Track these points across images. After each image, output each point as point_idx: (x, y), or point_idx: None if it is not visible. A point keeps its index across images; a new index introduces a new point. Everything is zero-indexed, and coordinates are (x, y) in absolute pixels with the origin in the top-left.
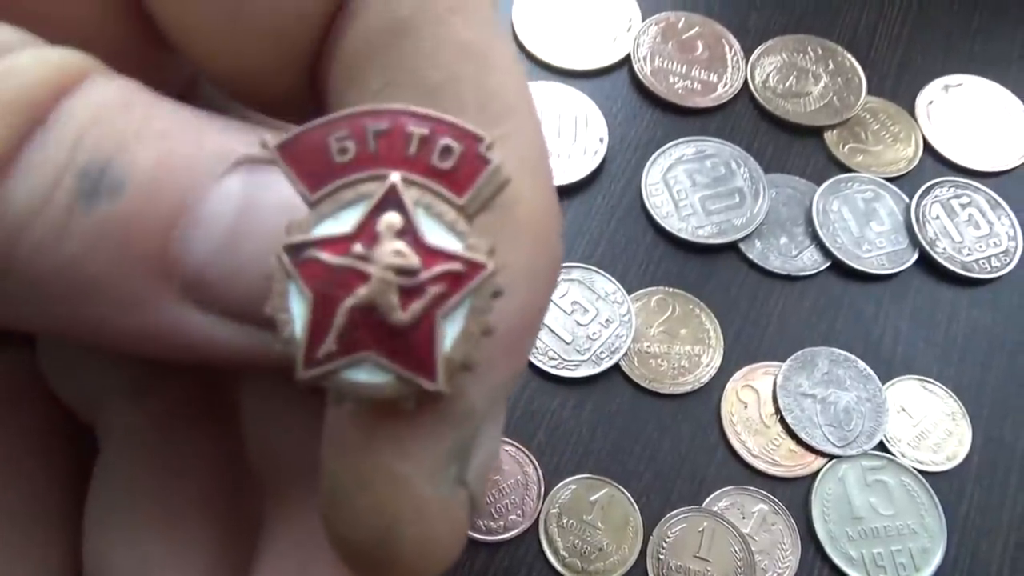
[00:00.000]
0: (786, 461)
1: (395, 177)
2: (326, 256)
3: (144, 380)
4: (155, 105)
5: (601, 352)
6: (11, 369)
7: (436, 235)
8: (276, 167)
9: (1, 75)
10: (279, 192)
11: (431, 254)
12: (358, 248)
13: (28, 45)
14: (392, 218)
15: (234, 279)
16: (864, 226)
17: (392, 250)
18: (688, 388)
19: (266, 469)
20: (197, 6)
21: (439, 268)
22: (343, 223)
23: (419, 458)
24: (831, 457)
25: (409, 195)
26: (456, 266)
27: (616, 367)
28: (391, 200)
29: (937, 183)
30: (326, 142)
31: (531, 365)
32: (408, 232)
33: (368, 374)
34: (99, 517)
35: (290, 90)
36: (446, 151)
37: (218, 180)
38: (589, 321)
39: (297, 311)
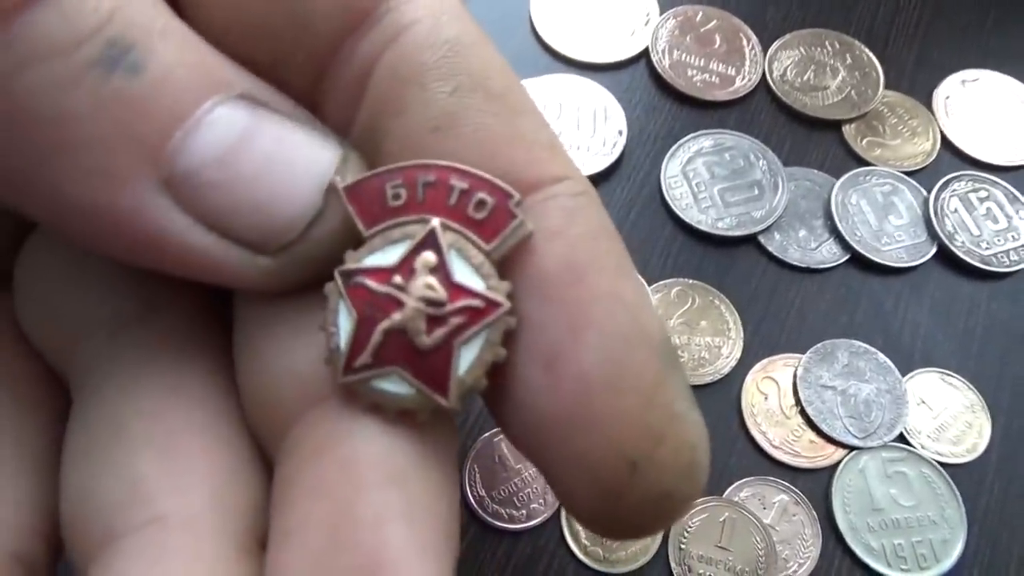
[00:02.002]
0: (807, 452)
1: (435, 222)
2: (371, 283)
3: (129, 309)
4: (175, 16)
5: None
6: None
7: (463, 274)
8: (341, 204)
9: None
10: (278, 129)
11: (457, 290)
12: (397, 279)
13: None
14: (428, 257)
15: (223, 190)
16: (883, 219)
17: (424, 283)
18: (708, 379)
19: (266, 401)
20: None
21: (462, 302)
22: (388, 256)
23: (682, 395)
24: (851, 448)
25: (445, 238)
26: (476, 302)
27: None
28: (430, 241)
29: (955, 177)
30: (383, 188)
31: None
32: (440, 269)
33: (394, 385)
34: (82, 448)
35: (296, 99)
36: (481, 204)
37: (228, 99)
38: None
39: (343, 327)
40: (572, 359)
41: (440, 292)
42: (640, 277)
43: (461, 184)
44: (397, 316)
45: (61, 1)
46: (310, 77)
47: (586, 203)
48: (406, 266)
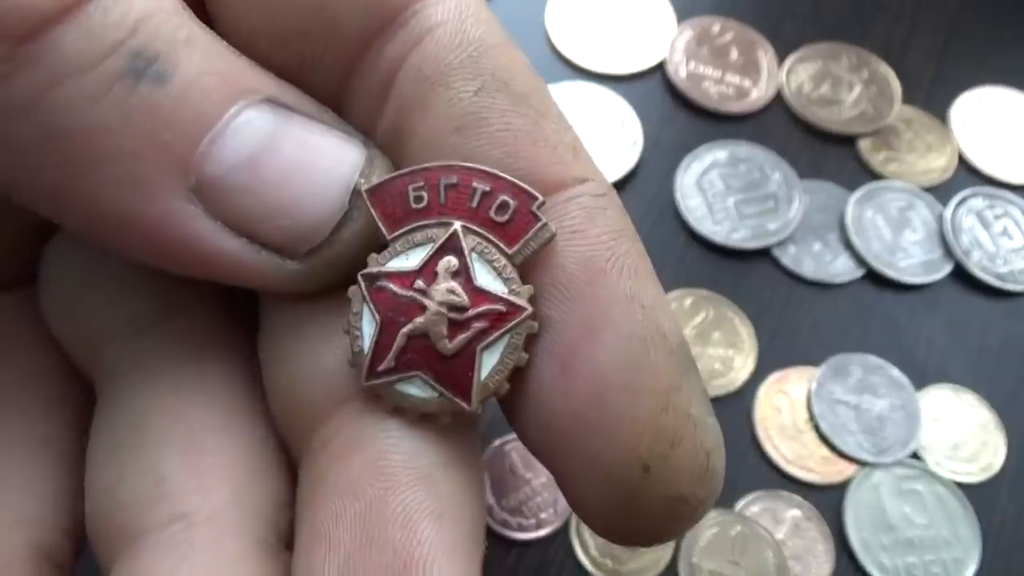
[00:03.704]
0: (819, 467)
1: (457, 226)
2: (394, 287)
3: (153, 309)
4: (200, 24)
5: None
6: (11, 313)
7: (485, 278)
8: (366, 206)
9: None
10: (303, 133)
11: (479, 294)
12: (420, 283)
13: None
14: (450, 261)
15: (249, 195)
16: (898, 234)
17: (446, 288)
18: (721, 392)
19: (290, 402)
20: None
21: (484, 307)
22: (411, 260)
23: (698, 399)
24: (865, 464)
25: (467, 242)
26: (499, 307)
27: None
28: (452, 244)
29: (971, 194)
30: (405, 190)
31: None
32: (462, 273)
33: (417, 390)
34: (107, 447)
35: (322, 101)
36: (503, 206)
37: (254, 104)
38: None
39: (367, 331)
40: (588, 359)
41: (463, 297)
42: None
43: (483, 186)
44: (419, 320)
45: (86, 17)
46: (337, 79)
47: (608, 204)
48: (428, 270)
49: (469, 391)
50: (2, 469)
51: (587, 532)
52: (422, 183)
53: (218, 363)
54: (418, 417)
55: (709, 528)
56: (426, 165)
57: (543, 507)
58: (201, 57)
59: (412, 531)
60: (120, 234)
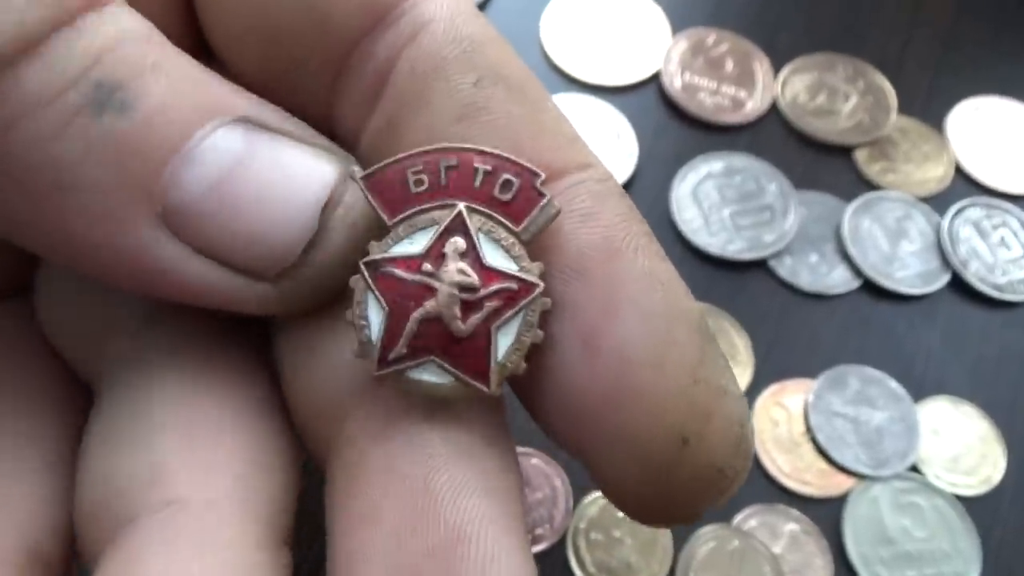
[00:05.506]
0: (817, 480)
1: (461, 206)
2: (400, 272)
3: (155, 308)
4: (171, 48)
5: None
6: (7, 321)
7: (495, 257)
8: (362, 193)
9: None
10: (275, 152)
11: (490, 274)
12: (427, 267)
13: None
14: (457, 241)
15: (217, 219)
16: (895, 245)
17: (456, 268)
18: None
19: (307, 406)
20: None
21: (496, 286)
22: (416, 244)
23: (725, 371)
24: (863, 477)
25: (472, 222)
26: (511, 284)
27: None
28: (457, 226)
29: (968, 204)
30: (404, 175)
31: None
32: (470, 253)
33: (432, 375)
34: (102, 438)
35: (312, 101)
36: (506, 184)
37: (222, 127)
38: None
39: (374, 319)
40: (611, 335)
41: (473, 277)
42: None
43: (484, 166)
44: (431, 303)
45: (47, 50)
46: (327, 78)
47: (613, 188)
48: (435, 252)
49: (487, 372)
50: (1, 472)
51: (584, 547)
52: (421, 167)
53: (226, 356)
54: (435, 403)
55: (706, 543)
56: (423, 148)
57: (539, 523)
58: (168, 82)
59: (461, 506)
60: (91, 263)
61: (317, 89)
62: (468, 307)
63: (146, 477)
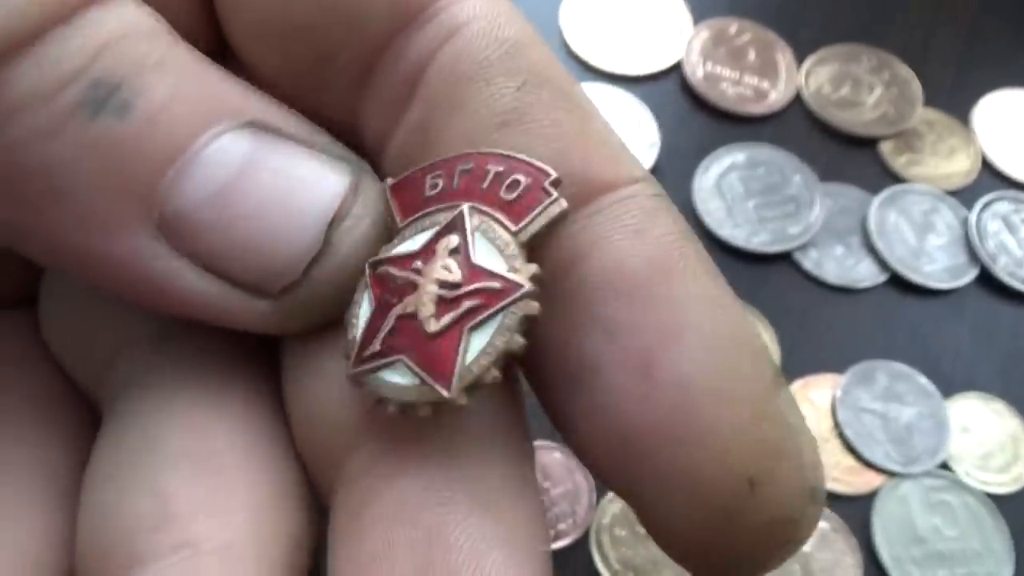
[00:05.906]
0: (845, 477)
1: (464, 207)
2: (392, 270)
3: (166, 324)
4: (179, 44)
5: None
6: (11, 335)
7: (485, 256)
8: (377, 202)
9: None
10: (283, 160)
11: (475, 272)
12: (417, 264)
13: None
14: (451, 239)
15: (218, 230)
16: (922, 238)
17: (441, 265)
18: None
19: (316, 435)
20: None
21: (477, 284)
22: (415, 244)
23: (793, 406)
24: (892, 475)
25: (471, 221)
26: (494, 284)
27: None
28: (456, 225)
29: (996, 198)
30: (423, 180)
31: None
32: (461, 251)
33: (399, 376)
34: (108, 467)
35: (335, 102)
36: (513, 184)
37: (228, 131)
38: None
39: (363, 317)
40: (669, 363)
41: (456, 273)
42: None
43: (497, 168)
44: (409, 299)
45: (43, 46)
46: (354, 76)
47: (665, 204)
48: (428, 251)
49: (450, 376)
50: (1, 503)
51: (608, 544)
52: (440, 172)
53: (239, 381)
54: (398, 409)
55: None
56: (448, 156)
57: (562, 518)
58: (172, 81)
59: (480, 560)
60: (86, 272)
61: (342, 90)
62: (444, 305)
63: (155, 517)
